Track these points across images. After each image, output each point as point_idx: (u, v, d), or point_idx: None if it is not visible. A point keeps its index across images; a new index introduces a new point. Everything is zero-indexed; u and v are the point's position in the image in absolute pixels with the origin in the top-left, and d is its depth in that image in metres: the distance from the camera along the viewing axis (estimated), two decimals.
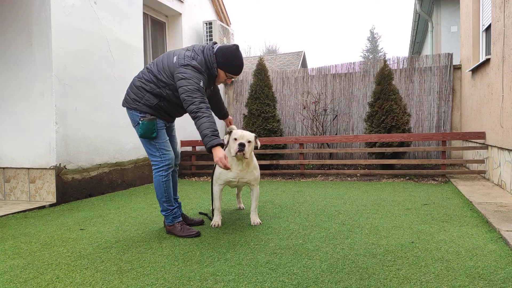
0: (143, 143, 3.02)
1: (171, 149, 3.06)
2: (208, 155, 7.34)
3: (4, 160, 4.67)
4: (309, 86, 7.95)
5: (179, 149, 6.78)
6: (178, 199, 3.31)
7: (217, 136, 2.74)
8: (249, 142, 3.03)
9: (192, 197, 4.70)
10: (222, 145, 2.75)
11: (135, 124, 2.99)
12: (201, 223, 3.31)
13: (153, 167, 3.01)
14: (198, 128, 2.76)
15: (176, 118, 3.31)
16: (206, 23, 7.55)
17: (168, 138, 3.10)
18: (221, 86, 8.59)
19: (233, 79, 3.10)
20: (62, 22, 4.49)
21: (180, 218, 3.05)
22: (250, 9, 59.96)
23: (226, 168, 2.73)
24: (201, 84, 2.79)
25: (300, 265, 2.25)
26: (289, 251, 2.51)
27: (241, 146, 2.96)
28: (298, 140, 6.30)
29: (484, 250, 2.42)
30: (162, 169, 2.97)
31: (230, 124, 3.40)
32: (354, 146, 7.42)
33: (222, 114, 3.48)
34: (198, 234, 2.92)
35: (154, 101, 2.94)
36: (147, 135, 2.91)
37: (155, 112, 2.97)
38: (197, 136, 7.31)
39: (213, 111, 3.35)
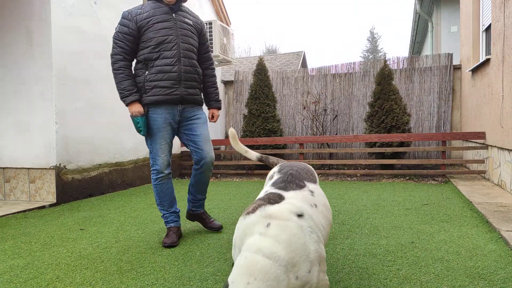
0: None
1: (165, 154, 2.82)
2: None
3: (4, 160, 4.67)
4: (309, 86, 7.95)
5: (179, 148, 6.77)
6: (202, 199, 3.06)
7: (134, 92, 2.72)
8: None
9: None
10: (139, 100, 2.72)
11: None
12: (220, 228, 3.07)
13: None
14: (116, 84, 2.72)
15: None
16: (206, 23, 7.54)
17: (167, 141, 2.82)
18: (221, 86, 8.59)
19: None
20: (62, 22, 4.48)
21: (172, 224, 2.85)
22: (250, 9, 59.99)
23: (139, 112, 2.70)
24: (118, 29, 2.75)
25: None
26: None
27: None
28: (298, 140, 6.30)
29: (484, 250, 2.42)
30: (152, 172, 2.86)
31: (212, 119, 3.10)
32: (354, 146, 7.42)
33: (208, 98, 3.09)
34: (172, 246, 2.68)
35: (142, 77, 2.77)
36: (138, 131, 2.78)
37: (151, 94, 2.74)
38: None
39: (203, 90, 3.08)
